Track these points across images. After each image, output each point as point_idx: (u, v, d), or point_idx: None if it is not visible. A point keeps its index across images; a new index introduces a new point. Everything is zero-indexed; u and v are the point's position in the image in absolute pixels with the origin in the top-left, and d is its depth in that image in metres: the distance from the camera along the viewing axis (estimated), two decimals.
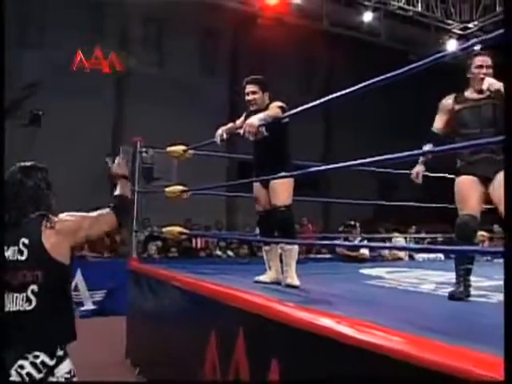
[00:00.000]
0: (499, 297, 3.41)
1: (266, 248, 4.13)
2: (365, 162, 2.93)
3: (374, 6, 12.22)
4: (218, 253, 10.48)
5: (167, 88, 12.62)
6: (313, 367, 2.41)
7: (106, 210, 2.48)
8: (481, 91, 3.50)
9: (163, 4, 11.03)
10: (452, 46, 13.60)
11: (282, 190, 3.91)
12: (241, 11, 11.47)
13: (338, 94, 3.15)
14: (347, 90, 3.06)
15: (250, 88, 4.04)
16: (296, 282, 3.79)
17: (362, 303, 3.18)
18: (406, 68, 2.65)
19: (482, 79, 3.46)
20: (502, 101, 3.17)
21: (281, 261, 4.04)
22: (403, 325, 2.28)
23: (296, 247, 3.95)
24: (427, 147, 3.56)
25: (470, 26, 13.27)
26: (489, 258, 7.54)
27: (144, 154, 6.01)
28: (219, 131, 4.25)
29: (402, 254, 8.09)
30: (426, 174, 5.70)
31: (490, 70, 3.54)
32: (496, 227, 10.26)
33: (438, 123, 3.70)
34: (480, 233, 7.12)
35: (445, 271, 5.41)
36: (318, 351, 2.37)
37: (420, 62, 2.60)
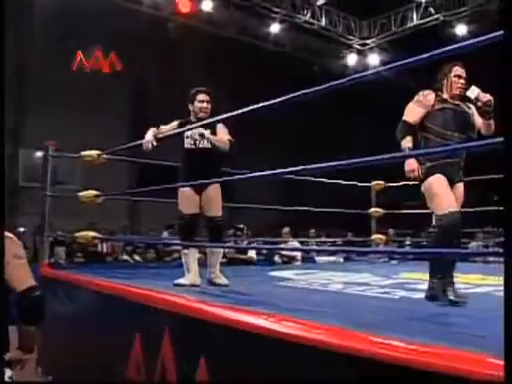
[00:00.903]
0: (401, 293, 3.81)
1: (186, 251, 4.32)
2: (315, 168, 3.12)
3: (281, 19, 12.66)
4: (125, 257, 10.42)
5: (73, 91, 12.37)
6: (240, 363, 2.60)
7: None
8: (458, 97, 3.61)
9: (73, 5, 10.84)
10: (352, 59, 14.43)
11: (218, 201, 4.35)
12: (152, 16, 11.49)
13: (246, 109, 3.36)
14: (254, 107, 3.28)
15: (206, 97, 4.39)
16: (225, 281, 4.24)
17: (280, 301, 3.43)
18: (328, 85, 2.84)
19: (461, 88, 3.58)
20: (484, 110, 3.41)
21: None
22: (325, 319, 2.54)
23: (222, 250, 4.44)
24: (407, 139, 3.54)
25: (368, 42, 14.12)
26: (386, 259, 8.14)
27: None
28: (149, 137, 4.34)
29: (298, 256, 8.44)
30: (328, 180, 6.11)
31: (465, 81, 3.66)
32: (391, 231, 11.04)
33: (416, 116, 3.60)
34: (377, 236, 7.68)
35: (348, 272, 5.83)
36: (245, 347, 2.57)
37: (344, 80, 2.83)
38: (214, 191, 4.34)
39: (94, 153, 5.44)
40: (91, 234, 5.52)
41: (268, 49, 13.37)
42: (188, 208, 4.30)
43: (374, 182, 7.50)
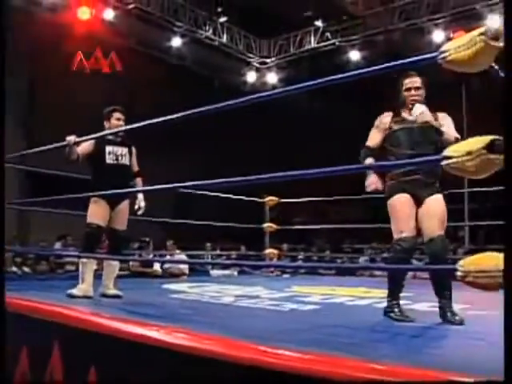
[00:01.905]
0: (290, 305, 3.99)
1: (84, 260, 4.31)
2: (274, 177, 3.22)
3: (183, 33, 12.74)
4: (14, 269, 9.94)
5: None
6: (131, 374, 2.62)
7: None
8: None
9: None
10: (252, 76, 14.78)
11: (126, 216, 4.58)
12: (51, 21, 11.13)
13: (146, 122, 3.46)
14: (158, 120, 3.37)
15: (122, 116, 4.57)
16: (118, 292, 4.36)
17: (170, 313, 3.49)
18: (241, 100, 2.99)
19: (412, 102, 3.54)
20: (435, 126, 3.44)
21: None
22: (214, 330, 2.63)
23: (118, 263, 4.56)
24: (368, 161, 3.51)
25: (268, 61, 14.54)
26: (279, 272, 8.41)
27: None
28: (70, 137, 4.28)
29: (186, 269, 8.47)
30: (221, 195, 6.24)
31: (420, 91, 3.57)
32: (285, 246, 11.39)
33: (375, 140, 3.62)
34: (270, 250, 7.92)
35: (240, 285, 5.98)
36: (136, 359, 2.61)
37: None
38: (126, 206, 4.57)
39: None
40: None
41: (169, 61, 13.37)
42: (97, 219, 4.39)
43: (267, 198, 7.74)
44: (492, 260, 1.91)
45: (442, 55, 2.07)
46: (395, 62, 2.45)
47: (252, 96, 3.09)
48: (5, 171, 2.44)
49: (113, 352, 2.74)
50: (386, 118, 3.64)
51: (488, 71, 2.16)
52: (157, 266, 8.29)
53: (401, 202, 3.50)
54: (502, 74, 2.26)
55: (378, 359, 2.06)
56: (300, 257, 11.53)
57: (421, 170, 3.46)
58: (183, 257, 8.51)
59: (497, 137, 1.93)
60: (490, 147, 1.92)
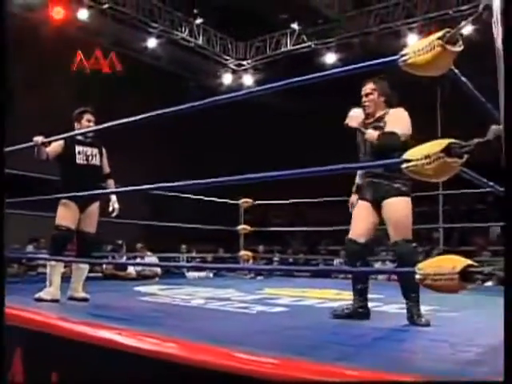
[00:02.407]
0: (258, 308, 3.99)
1: (53, 263, 4.27)
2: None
3: (158, 34, 12.67)
4: None
5: None
6: (94, 379, 2.59)
7: None
8: (372, 117, 3.63)
9: None
10: (228, 78, 14.76)
11: (96, 218, 4.53)
12: (24, 19, 10.97)
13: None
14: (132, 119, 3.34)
15: (92, 117, 4.53)
16: (85, 295, 4.35)
17: (137, 316, 3.46)
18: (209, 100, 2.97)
19: (365, 106, 3.65)
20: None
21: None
22: (178, 333, 2.62)
23: (87, 266, 4.53)
24: None
25: (244, 63, 14.55)
26: (252, 275, 8.39)
27: None
28: (37, 137, 4.21)
29: (158, 271, 8.40)
30: (199, 197, 6.22)
31: (370, 97, 3.64)
32: (261, 247, 11.40)
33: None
34: (245, 252, 7.92)
35: (213, 287, 5.96)
36: (99, 363, 2.58)
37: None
38: (96, 208, 4.53)
39: None
40: None
41: (144, 62, 13.29)
42: (66, 221, 4.34)
43: (242, 200, 7.73)
44: (449, 262, 1.92)
45: (403, 58, 2.08)
46: (361, 64, 2.46)
47: (220, 97, 3.08)
48: (4, 170, 2.40)
49: (76, 357, 2.71)
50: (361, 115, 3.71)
51: (447, 75, 2.18)
52: (131, 269, 8.21)
53: (357, 209, 3.67)
54: (463, 79, 2.29)
55: (333, 361, 2.08)
56: (275, 259, 11.54)
57: (379, 174, 3.52)
58: (154, 259, 8.44)
59: (454, 140, 1.95)
60: (448, 150, 1.93)
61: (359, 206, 3.67)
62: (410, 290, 3.38)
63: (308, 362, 2.04)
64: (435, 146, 1.96)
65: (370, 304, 3.65)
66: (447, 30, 2.02)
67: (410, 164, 2.01)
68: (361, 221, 3.63)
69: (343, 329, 3.24)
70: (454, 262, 1.92)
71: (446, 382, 2.00)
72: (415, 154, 2.00)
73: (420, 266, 1.99)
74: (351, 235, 3.63)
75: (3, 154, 2.48)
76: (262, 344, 2.49)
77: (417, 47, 2.05)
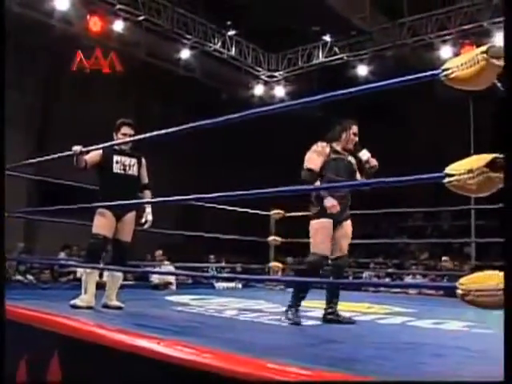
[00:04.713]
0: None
1: (88, 271, 4.32)
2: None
3: (192, 45, 12.82)
4: (19, 277, 9.97)
5: None
6: None
7: None
8: (348, 151, 4.16)
9: None
10: (259, 89, 14.84)
11: (132, 227, 4.57)
12: (64, 31, 11.23)
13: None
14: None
15: (130, 131, 4.57)
16: (120, 304, 4.37)
17: (173, 326, 3.48)
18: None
19: (354, 145, 4.15)
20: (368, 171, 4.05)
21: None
22: (215, 344, 2.63)
23: (121, 275, 4.57)
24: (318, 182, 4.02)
25: (276, 74, 14.61)
26: (282, 286, 8.37)
27: None
28: (76, 147, 4.33)
29: (172, 280, 8.44)
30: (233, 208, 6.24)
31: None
32: (290, 259, 11.37)
33: (318, 164, 4.02)
34: (274, 263, 7.92)
35: (243, 298, 5.96)
36: (137, 371, 2.60)
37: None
38: (132, 217, 4.56)
39: None
40: None
41: (178, 73, 13.45)
42: (103, 230, 4.39)
43: (273, 211, 7.73)
44: (492, 279, 1.90)
45: (445, 72, 2.08)
46: (401, 78, 2.46)
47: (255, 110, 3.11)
48: (5, 178, 2.45)
49: (113, 364, 2.74)
50: (326, 148, 4.10)
51: (492, 89, 2.16)
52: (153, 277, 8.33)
53: (325, 228, 4.00)
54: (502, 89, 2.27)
55: (368, 374, 2.06)
56: None
57: (346, 197, 4.08)
58: (171, 268, 8.47)
59: (498, 155, 1.93)
60: (492, 165, 1.92)
61: (327, 226, 4.02)
62: (336, 295, 4.05)
63: (344, 373, 2.03)
64: (479, 160, 1.94)
65: (403, 318, 3.70)
66: (491, 44, 2.01)
67: (453, 179, 2.00)
68: (329, 239, 4.05)
69: (378, 343, 3.21)
70: (497, 279, 1.89)
71: (447, 382, 1.97)
72: (458, 168, 1.99)
73: (462, 281, 1.97)
74: (323, 251, 3.99)
75: (3, 154, 2.52)
76: (297, 356, 2.49)
77: (460, 61, 2.04)
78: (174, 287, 7.96)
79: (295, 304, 3.91)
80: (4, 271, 2.31)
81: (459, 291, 1.96)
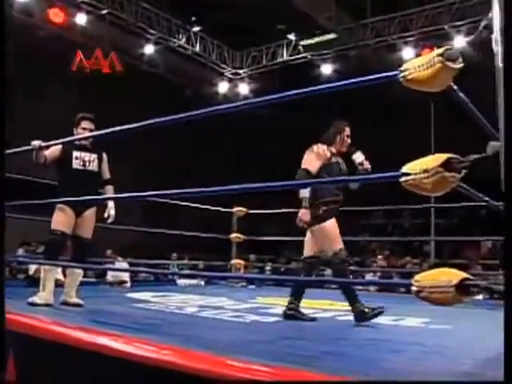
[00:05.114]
0: (252, 317, 3.99)
1: (47, 268, 4.25)
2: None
3: (156, 41, 12.72)
4: None
5: None
6: (87, 382, 2.60)
7: None
8: (341, 153, 4.22)
9: None
10: (224, 87, 14.82)
11: (92, 224, 4.51)
12: (23, 21, 10.98)
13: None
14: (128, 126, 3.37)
15: (90, 125, 4.51)
16: (79, 301, 4.31)
17: (132, 323, 3.45)
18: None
19: (347, 147, 4.20)
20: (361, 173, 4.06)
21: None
22: (173, 341, 2.62)
23: (82, 272, 4.49)
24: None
25: (240, 72, 14.62)
26: (243, 283, 8.40)
27: None
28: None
29: (126, 277, 8.36)
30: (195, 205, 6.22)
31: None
32: (252, 256, 11.39)
33: (316, 166, 4.05)
34: (237, 261, 7.93)
35: (205, 295, 5.96)
36: (94, 367, 2.58)
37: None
38: (92, 213, 4.50)
39: None
40: None
41: (141, 69, 13.31)
42: (62, 225, 4.33)
43: (235, 208, 7.74)
44: (446, 275, 1.95)
45: (402, 74, 2.12)
46: (361, 78, 2.49)
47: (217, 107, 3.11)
48: (4, 168, 2.41)
49: (72, 362, 2.70)
50: (326, 150, 4.12)
51: (448, 91, 2.21)
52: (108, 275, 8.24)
53: (334, 226, 4.08)
54: (460, 94, 2.32)
55: (328, 371, 2.09)
56: (267, 268, 11.53)
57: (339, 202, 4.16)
58: (125, 265, 8.39)
59: (453, 155, 1.98)
60: (447, 165, 1.97)
61: (335, 224, 4.10)
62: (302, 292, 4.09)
63: (304, 370, 2.06)
64: (434, 160, 1.99)
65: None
66: (447, 47, 2.06)
67: (409, 178, 2.04)
68: (339, 234, 4.12)
69: (337, 339, 3.25)
70: (450, 275, 1.94)
71: (447, 382, 2.02)
72: (414, 167, 2.03)
73: (417, 278, 2.01)
74: (341, 244, 4.07)
75: (4, 157, 2.49)
76: (258, 353, 2.50)
77: (417, 63, 2.08)
78: (128, 285, 7.87)
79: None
80: (4, 271, 2.27)
81: (414, 288, 2.00)
